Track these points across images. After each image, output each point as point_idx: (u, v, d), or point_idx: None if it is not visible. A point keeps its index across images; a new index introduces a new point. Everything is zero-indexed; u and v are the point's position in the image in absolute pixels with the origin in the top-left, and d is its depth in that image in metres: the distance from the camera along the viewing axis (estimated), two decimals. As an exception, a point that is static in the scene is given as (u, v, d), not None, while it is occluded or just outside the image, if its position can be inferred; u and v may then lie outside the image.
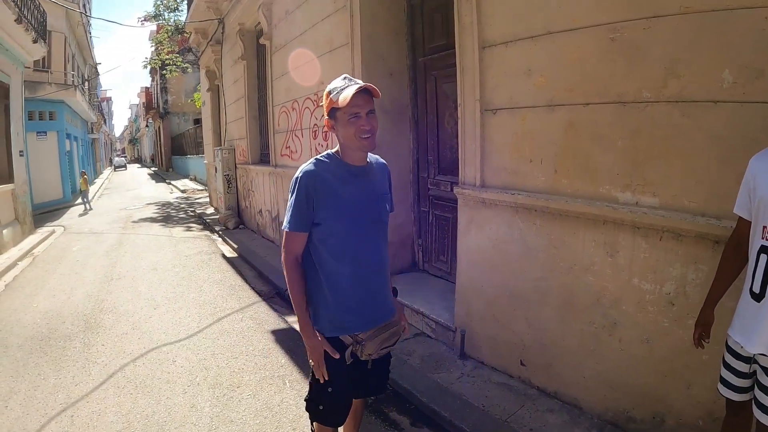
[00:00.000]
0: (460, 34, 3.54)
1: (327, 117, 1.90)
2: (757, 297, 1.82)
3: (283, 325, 4.65)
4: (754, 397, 1.85)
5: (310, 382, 2.08)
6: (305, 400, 2.11)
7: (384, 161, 2.16)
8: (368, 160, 2.01)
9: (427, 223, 5.05)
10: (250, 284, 6.14)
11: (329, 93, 1.86)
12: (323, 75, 5.77)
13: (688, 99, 2.43)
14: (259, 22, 7.95)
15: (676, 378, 2.57)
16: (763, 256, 1.80)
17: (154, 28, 20.88)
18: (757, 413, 1.81)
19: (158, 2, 18.26)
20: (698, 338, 2.10)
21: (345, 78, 1.88)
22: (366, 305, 1.98)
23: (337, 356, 1.94)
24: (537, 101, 3.07)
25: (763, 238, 1.81)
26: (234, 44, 9.53)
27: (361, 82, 1.84)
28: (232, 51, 9.93)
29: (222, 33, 10.69)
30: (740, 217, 1.97)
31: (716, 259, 2.16)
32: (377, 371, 2.18)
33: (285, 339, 4.29)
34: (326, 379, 1.95)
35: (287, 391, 3.40)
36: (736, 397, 1.97)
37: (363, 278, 1.97)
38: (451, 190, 3.63)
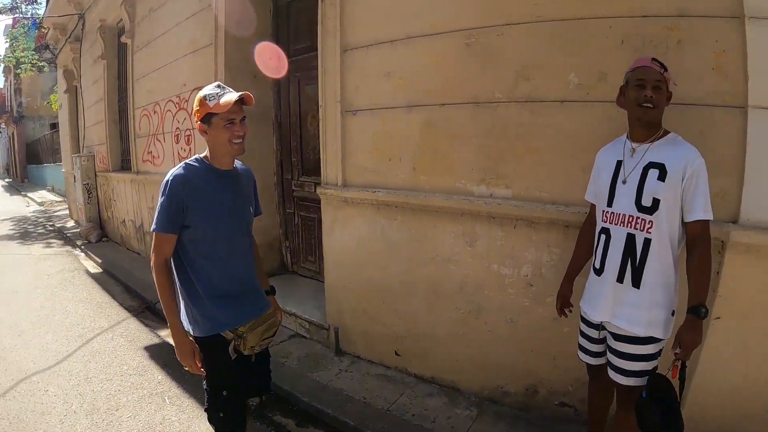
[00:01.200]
0: (323, 37, 3.43)
1: (200, 122, 1.88)
2: (598, 272, 2.00)
3: (156, 340, 4.24)
4: (607, 359, 2.01)
5: (206, 391, 2.03)
6: (205, 410, 2.07)
7: (248, 167, 2.18)
8: (234, 165, 2.03)
9: (294, 225, 4.88)
10: (118, 300, 5.54)
11: (204, 98, 1.83)
12: (187, 76, 5.33)
13: (537, 99, 2.56)
14: (122, 19, 7.17)
15: (542, 351, 2.72)
16: (602, 236, 1.97)
17: (10, 22, 18.47)
18: (610, 373, 1.98)
19: (15, -6, 16.13)
20: (560, 308, 2.28)
21: (219, 85, 1.88)
22: (239, 300, 2.00)
23: (198, 364, 1.92)
24: (396, 102, 3.05)
25: (602, 221, 1.99)
26: (94, 42, 8.54)
27: (233, 91, 1.87)
28: (92, 49, 8.90)
29: (82, 29, 9.53)
30: (591, 203, 2.15)
31: (568, 242, 2.33)
32: (261, 368, 2.21)
33: (160, 354, 3.92)
34: (226, 379, 1.97)
35: (168, 407, 3.12)
36: (592, 361, 2.14)
37: (234, 275, 1.99)
38: (316, 190, 3.57)
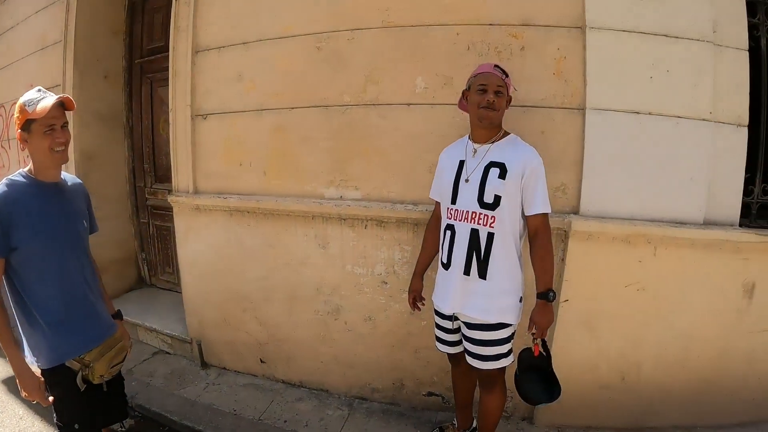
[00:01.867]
0: (176, 37, 3.22)
1: (20, 130, 1.73)
2: (446, 266, 2.09)
3: (12, 373, 3.82)
4: (464, 347, 2.12)
5: (58, 426, 1.89)
6: None
7: (80, 181, 2.03)
8: (62, 177, 1.88)
9: (149, 235, 4.57)
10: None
11: (24, 105, 1.70)
12: (34, 76, 4.79)
13: (385, 102, 2.61)
14: None
15: (404, 346, 2.79)
16: (448, 233, 2.07)
17: None
18: (469, 359, 2.10)
19: None
20: (412, 302, 2.36)
21: (39, 90, 1.74)
22: (82, 324, 1.86)
23: (49, 397, 1.82)
24: (247, 106, 2.96)
25: (447, 218, 2.08)
26: None
27: (53, 94, 1.74)
28: None
29: None
30: (436, 201, 2.24)
31: (418, 240, 2.42)
32: (114, 395, 2.07)
33: (18, 388, 3.52)
34: (78, 411, 1.85)
35: None
36: (450, 350, 2.25)
37: (73, 298, 1.84)
38: (168, 198, 3.39)
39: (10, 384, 3.62)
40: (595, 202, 2.44)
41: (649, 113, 2.42)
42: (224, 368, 3.42)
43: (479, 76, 2.01)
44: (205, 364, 3.45)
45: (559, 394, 2.02)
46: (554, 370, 2.08)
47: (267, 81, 2.92)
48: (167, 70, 3.39)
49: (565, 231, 2.43)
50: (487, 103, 1.96)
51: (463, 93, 2.13)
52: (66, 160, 1.81)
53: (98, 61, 4.23)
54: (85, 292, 1.91)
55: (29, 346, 1.81)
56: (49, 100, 1.69)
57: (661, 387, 2.66)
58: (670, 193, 2.45)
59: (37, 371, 1.81)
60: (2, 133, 5.54)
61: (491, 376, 2.09)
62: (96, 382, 1.87)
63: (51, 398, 1.81)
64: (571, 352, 2.57)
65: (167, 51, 3.44)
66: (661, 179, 2.44)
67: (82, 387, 1.84)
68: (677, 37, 2.42)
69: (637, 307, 2.52)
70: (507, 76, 2.04)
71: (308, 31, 2.78)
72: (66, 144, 1.77)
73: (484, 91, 1.97)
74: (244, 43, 2.99)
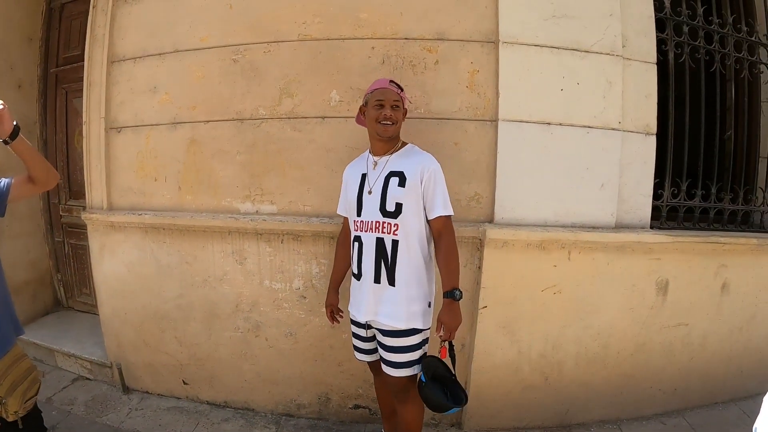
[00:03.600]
0: (92, 45, 3.16)
1: None
2: (357, 276, 2.15)
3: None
4: (379, 355, 2.16)
5: None
6: None
7: None
8: None
9: (64, 255, 4.41)
10: None
11: None
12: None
13: (300, 116, 2.65)
14: None
15: (326, 359, 2.82)
16: (356, 244, 2.12)
17: None
18: (383, 367, 2.14)
19: None
20: (330, 315, 2.40)
21: None
22: None
23: None
24: (161, 119, 2.94)
25: (354, 230, 2.14)
26: None
27: None
28: None
29: None
30: (344, 217, 2.31)
31: (334, 253, 2.44)
32: (33, 430, 1.98)
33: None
34: None
35: None
36: (368, 359, 2.30)
37: None
38: (82, 216, 3.29)
39: None
40: (509, 211, 2.56)
41: (560, 124, 2.56)
42: (147, 392, 3.35)
43: (376, 92, 2.09)
44: (126, 389, 3.36)
45: (465, 400, 2.07)
46: (462, 375, 2.13)
47: (182, 93, 2.90)
48: (83, 80, 3.30)
49: (480, 239, 2.54)
50: (385, 118, 2.03)
51: (360, 108, 2.21)
52: None
53: (11, 70, 4.08)
54: None
55: None
56: None
57: (584, 384, 2.81)
58: (582, 200, 2.61)
59: None
60: None
61: (403, 385, 2.15)
62: (11, 419, 1.82)
63: None
64: (492, 357, 2.68)
65: (83, 60, 3.34)
66: (573, 186, 2.60)
67: None
68: (587, 51, 2.57)
69: (555, 309, 2.66)
70: (402, 90, 2.13)
71: (225, 42, 2.79)
72: None
73: (381, 106, 2.05)
74: (159, 54, 2.97)
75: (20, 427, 1.87)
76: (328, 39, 2.62)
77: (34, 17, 4.27)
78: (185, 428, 2.93)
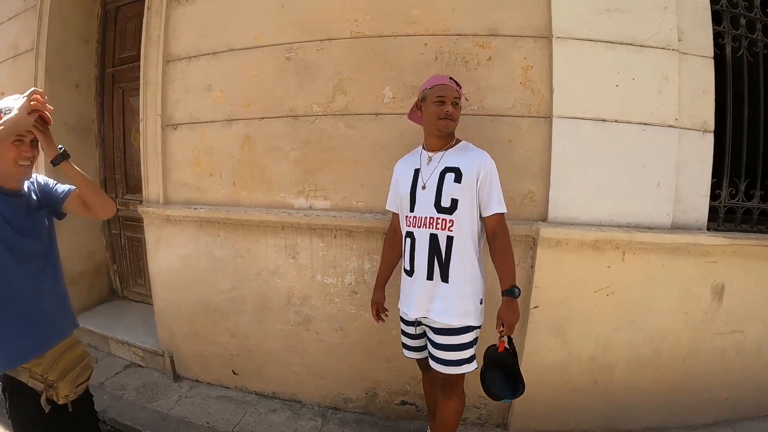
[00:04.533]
0: (147, 46, 3.23)
1: None
2: (409, 273, 2.13)
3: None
4: (428, 351, 2.14)
5: None
6: None
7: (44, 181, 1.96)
8: (24, 186, 1.84)
9: (120, 247, 4.54)
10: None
11: (0, 111, 1.66)
12: (4, 84, 4.76)
13: (354, 112, 2.64)
14: None
15: (375, 355, 2.81)
16: (408, 240, 2.11)
17: None
18: (432, 363, 2.12)
19: None
20: (376, 314, 2.38)
21: (17, 99, 1.69)
22: (29, 327, 1.80)
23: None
24: (216, 116, 2.98)
25: (406, 226, 2.12)
26: None
27: None
28: None
29: None
30: (393, 213, 2.29)
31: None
32: (83, 414, 1.99)
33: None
34: (13, 425, 1.80)
35: None
36: (417, 356, 2.29)
37: (25, 302, 1.80)
38: (138, 209, 3.38)
39: None
40: (562, 209, 2.50)
41: (615, 120, 2.49)
42: (197, 381, 3.41)
43: (436, 88, 2.07)
44: (177, 377, 3.44)
45: (522, 390, 2.06)
46: (520, 368, 2.11)
47: (236, 91, 2.94)
48: (139, 79, 3.39)
49: (533, 238, 2.49)
50: (446, 114, 2.02)
51: (415, 104, 2.19)
52: (29, 176, 1.80)
53: (69, 70, 4.21)
54: (38, 295, 1.86)
55: None
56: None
57: (634, 389, 2.72)
58: (637, 199, 2.52)
59: None
60: (-28, 142, 5.47)
61: (451, 381, 2.13)
62: (61, 402, 1.83)
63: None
64: (542, 357, 2.62)
65: (139, 60, 3.43)
66: (628, 185, 2.51)
67: (47, 408, 1.79)
68: (642, 46, 2.49)
69: (607, 311, 2.58)
70: (460, 87, 2.12)
71: (277, 41, 2.81)
72: (32, 160, 1.76)
73: (443, 102, 2.03)
74: (213, 53, 3.01)
75: (70, 410, 1.90)
76: (380, 36, 2.61)
77: (90, 20, 4.40)
78: (233, 417, 2.97)
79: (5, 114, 1.64)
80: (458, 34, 2.53)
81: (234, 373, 3.22)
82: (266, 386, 3.17)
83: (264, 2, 2.83)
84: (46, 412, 1.79)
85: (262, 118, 2.84)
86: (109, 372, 3.59)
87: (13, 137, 1.66)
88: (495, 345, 2.10)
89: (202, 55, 3.05)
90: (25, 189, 1.84)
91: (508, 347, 2.09)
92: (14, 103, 1.67)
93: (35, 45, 4.23)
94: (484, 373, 2.10)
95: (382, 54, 2.61)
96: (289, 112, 2.78)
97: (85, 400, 2.02)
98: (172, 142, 3.15)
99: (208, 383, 3.37)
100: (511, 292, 2.01)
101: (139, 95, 3.37)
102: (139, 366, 3.70)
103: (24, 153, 1.71)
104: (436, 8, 2.55)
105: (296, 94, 2.77)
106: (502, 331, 2.02)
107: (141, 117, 3.25)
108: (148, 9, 3.27)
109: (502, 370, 2.09)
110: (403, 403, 2.89)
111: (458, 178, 2.01)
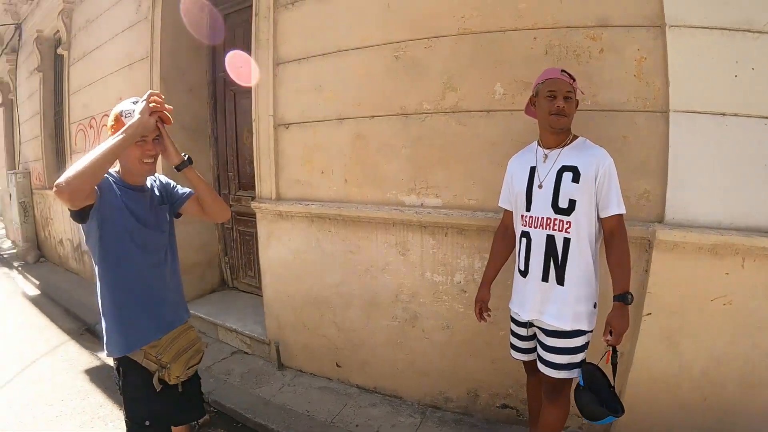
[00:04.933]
0: (257, 50, 3.39)
1: None
2: (523, 273, 2.07)
3: (96, 363, 4.05)
4: (538, 354, 2.08)
5: (126, 422, 1.94)
6: None
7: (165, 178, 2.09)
8: (147, 182, 1.95)
9: (232, 240, 4.79)
10: (56, 323, 5.26)
11: (120, 114, 1.76)
12: (122, 90, 5.14)
13: (464, 110, 2.61)
14: (59, 30, 6.82)
15: (480, 355, 2.76)
16: (523, 240, 2.05)
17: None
18: (540, 366, 2.05)
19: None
20: (479, 312, 2.32)
21: (135, 102, 1.79)
22: (151, 313, 1.91)
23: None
24: (327, 115, 3.05)
25: (522, 225, 2.06)
26: (30, 53, 8.10)
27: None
28: (28, 61, 8.43)
29: (19, 40, 9.00)
30: (504, 209, 2.23)
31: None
32: (190, 394, 2.08)
33: (101, 377, 3.75)
34: (150, 410, 1.88)
35: (110, 431, 3.01)
36: (525, 358, 2.22)
37: (146, 288, 1.90)
38: (251, 205, 3.52)
39: (92, 373, 3.91)
40: (680, 210, 2.30)
41: (735, 114, 2.25)
42: (300, 370, 3.52)
43: (547, 82, 1.98)
44: (281, 366, 3.56)
45: (622, 411, 1.92)
46: (620, 385, 1.99)
47: (346, 90, 2.99)
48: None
49: (648, 240, 2.31)
50: (558, 110, 1.93)
51: (530, 99, 2.11)
52: (153, 172, 1.89)
53: (183, 75, 4.49)
54: (159, 283, 1.97)
55: (106, 333, 1.87)
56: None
57: (745, 409, 2.45)
58: (759, 201, 2.27)
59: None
60: (94, 142, 5.98)
61: (557, 386, 2.05)
62: (172, 382, 1.92)
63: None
64: (651, 369, 2.43)
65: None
66: (749, 185, 2.26)
67: (158, 387, 1.89)
68: (760, 32, 2.24)
69: (723, 322, 2.33)
70: (574, 80, 1.99)
71: (385, 40, 2.83)
72: (155, 157, 1.85)
73: (554, 96, 1.95)
74: (323, 55, 3.08)
75: (180, 390, 1.98)
76: (488, 32, 2.55)
77: (200, 28, 4.66)
78: (333, 408, 3.03)
79: (126, 117, 1.75)
80: (567, 27, 2.41)
81: (337, 365, 3.29)
82: (368, 380, 3.20)
83: (370, 3, 2.86)
84: (158, 390, 1.88)
85: (373, 117, 2.88)
86: (216, 357, 3.80)
87: (138, 138, 1.75)
88: (593, 363, 2.00)
89: (311, 56, 3.13)
90: (149, 185, 1.95)
91: (612, 360, 1.96)
92: (132, 105, 1.77)
93: (149, 53, 4.56)
94: (581, 390, 1.98)
95: (491, 50, 2.55)
96: (399, 110, 2.79)
97: (194, 381, 2.11)
98: (284, 140, 3.26)
99: (311, 373, 3.46)
100: (623, 298, 1.89)
101: (249, 97, 3.52)
102: (245, 353, 3.88)
103: (147, 151, 1.80)
104: (543, 0, 2.45)
105: (406, 93, 2.77)
106: (609, 340, 1.91)
107: (253, 117, 3.40)
108: (256, 15, 3.41)
109: (600, 389, 1.96)
110: (505, 406, 2.81)
111: (576, 178, 1.92)
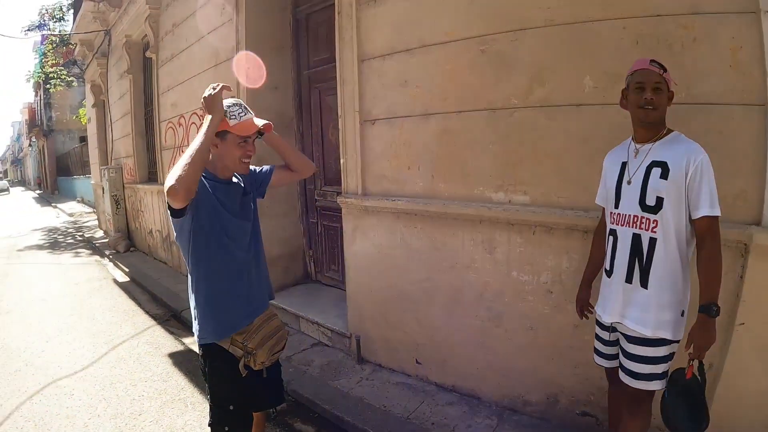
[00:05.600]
0: (341, 48, 3.48)
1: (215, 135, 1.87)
2: (608, 273, 2.01)
3: (180, 348, 4.33)
4: (619, 360, 2.00)
5: (210, 406, 2.04)
6: (209, 425, 2.07)
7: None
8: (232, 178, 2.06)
9: (317, 234, 4.92)
10: (144, 308, 5.67)
11: (224, 114, 1.84)
12: (209, 90, 5.47)
13: (553, 104, 2.55)
14: (146, 35, 7.37)
15: (563, 359, 2.68)
16: (611, 238, 1.99)
17: (39, 38, 18.98)
18: (621, 375, 1.98)
19: (43, 11, 16.53)
20: (580, 311, 2.29)
21: (239, 104, 1.90)
22: (243, 301, 2.01)
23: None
24: (413, 111, 3.07)
25: (610, 222, 2.01)
26: (120, 57, 8.79)
27: (252, 113, 1.93)
28: (118, 64, 9.16)
29: (108, 45, 9.81)
30: (602, 207, 2.16)
31: (587, 248, 2.31)
32: (272, 381, 2.18)
33: (183, 361, 4.00)
34: (234, 395, 1.96)
35: (190, 413, 3.18)
36: (607, 364, 2.14)
37: (240, 276, 2.00)
38: (337, 200, 3.62)
39: (176, 357, 4.16)
40: None
41: None
42: (379, 365, 3.57)
43: (636, 74, 1.90)
44: (361, 359, 3.62)
45: (707, 425, 1.80)
46: (706, 399, 1.84)
47: (432, 85, 3.00)
48: (334, 79, 3.65)
49: (744, 244, 2.11)
50: (646, 102, 1.84)
51: (622, 92, 2.01)
52: (247, 171, 2.01)
53: (268, 75, 4.64)
54: (249, 270, 2.05)
55: (199, 320, 1.95)
56: (257, 122, 1.90)
57: None
58: None
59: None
60: (183, 139, 6.32)
61: (638, 397, 1.95)
62: (257, 368, 2.00)
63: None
64: (741, 384, 2.22)
65: (332, 62, 3.69)
66: None
67: (244, 373, 1.97)
68: None
69: None
70: (665, 70, 1.87)
71: (470, 34, 2.80)
72: (252, 156, 1.95)
73: (642, 89, 1.86)
74: (407, 50, 3.10)
75: (264, 376, 2.08)
76: (576, 23, 2.45)
77: (283, 28, 4.85)
78: (410, 404, 3.04)
79: (229, 118, 1.84)
80: (657, 15, 2.26)
81: (417, 362, 3.31)
82: (447, 378, 3.20)
83: (452, -2, 2.83)
84: (243, 375, 1.96)
85: (460, 112, 2.86)
86: (297, 348, 3.93)
87: (240, 140, 1.88)
88: (683, 369, 1.85)
89: (396, 52, 3.16)
90: (234, 178, 2.05)
91: (697, 374, 1.82)
92: (235, 108, 1.88)
93: (234, 54, 4.75)
94: (667, 400, 1.86)
95: (579, 41, 2.46)
96: (486, 105, 2.77)
97: (276, 367, 2.21)
98: (370, 136, 3.33)
99: (389, 369, 3.50)
100: (707, 310, 1.75)
101: (335, 94, 3.60)
102: (326, 345, 3.98)
103: (248, 151, 1.91)
104: (631, -13, 2.33)
105: (493, 87, 2.74)
106: (691, 353, 1.78)
107: (339, 114, 3.48)
108: (338, 14, 3.49)
109: (687, 400, 1.83)
110: (584, 413, 2.71)
111: (665, 174, 1.81)
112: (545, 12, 2.54)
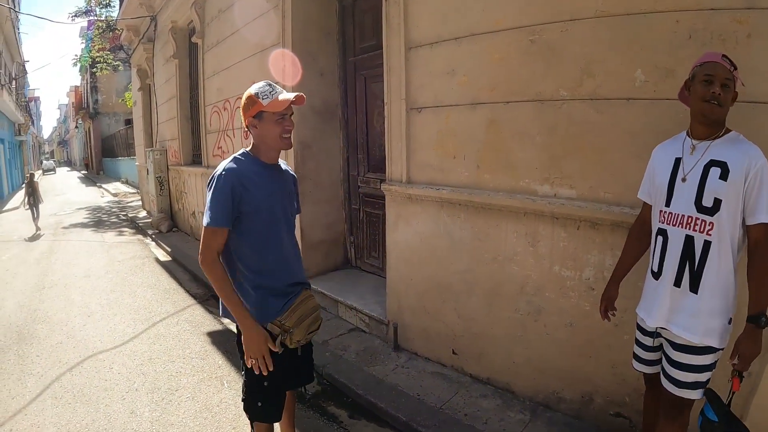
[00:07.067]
0: (388, 35, 3.53)
1: (252, 118, 1.99)
2: (655, 275, 1.96)
3: (219, 327, 4.51)
4: (661, 367, 1.97)
5: (244, 381, 2.13)
6: (242, 400, 2.17)
7: (289, 167, 2.29)
8: (278, 161, 2.16)
9: (359, 221, 5.01)
10: (184, 287, 5.92)
11: (256, 96, 1.95)
12: (254, 75, 5.55)
13: (603, 97, 2.52)
14: (192, 21, 7.63)
15: (601, 358, 2.67)
16: (659, 238, 1.93)
17: (85, 24, 19.69)
18: (663, 381, 1.94)
19: (90, -3, 17.17)
20: (604, 311, 2.25)
21: (269, 84, 2.00)
22: (285, 289, 2.09)
23: (276, 350, 1.99)
24: (460, 100, 3.10)
25: (659, 221, 1.94)
26: (166, 42, 9.10)
27: (283, 90, 2.02)
28: (164, 49, 9.48)
29: (154, 31, 10.16)
30: (644, 202, 2.11)
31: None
32: (305, 359, 2.28)
33: (222, 340, 4.18)
34: (269, 370, 1.97)
35: (226, 391, 3.32)
36: (647, 370, 2.10)
37: (281, 266, 2.08)
38: (380, 187, 3.69)
39: (214, 336, 4.34)
40: None
41: None
42: (415, 353, 3.64)
43: (705, 66, 1.84)
44: (397, 347, 3.70)
45: None
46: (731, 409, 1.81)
47: (480, 75, 3.02)
48: (380, 66, 3.71)
49: None
50: (712, 96, 1.78)
51: (685, 83, 1.96)
52: (290, 145, 2.09)
53: (313, 60, 4.76)
54: (293, 259, 2.17)
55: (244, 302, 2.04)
56: (288, 96, 1.97)
57: None
58: None
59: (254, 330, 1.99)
60: (228, 123, 6.50)
61: (678, 404, 1.92)
62: (292, 346, 2.06)
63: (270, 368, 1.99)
64: None
65: (379, 49, 3.74)
66: None
67: (280, 350, 2.02)
68: None
69: None
70: (735, 68, 1.83)
71: (519, 24, 2.80)
72: (291, 131, 2.05)
73: (710, 82, 1.80)
74: (455, 39, 3.13)
75: (299, 354, 2.18)
76: (627, 14, 2.41)
77: (329, 14, 4.93)
78: (444, 395, 3.10)
79: (262, 99, 1.94)
80: (712, 9, 2.20)
81: (453, 352, 3.36)
82: (482, 371, 3.24)
83: (504, -15, 2.84)
84: (279, 353, 2.02)
85: (507, 102, 2.88)
86: (334, 332, 4.05)
87: (277, 117, 1.97)
88: (711, 388, 1.85)
89: (444, 40, 3.20)
90: (283, 167, 2.18)
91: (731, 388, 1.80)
92: (269, 88, 1.97)
93: (281, 39, 4.86)
94: (707, 421, 1.82)
95: (630, 33, 2.42)
96: (535, 96, 2.77)
97: (309, 347, 2.30)
98: (416, 124, 3.38)
99: (425, 358, 3.58)
100: (757, 320, 1.72)
101: (380, 81, 3.65)
102: (363, 331, 4.09)
103: (287, 127, 2.00)
104: (685, -21, 2.29)
105: (542, 78, 2.74)
106: (736, 364, 1.75)
107: (385, 101, 3.54)
108: (386, 1, 3.54)
109: (726, 417, 1.80)
110: (618, 415, 2.70)
111: (724, 175, 1.76)
112: (596, 2, 2.51)
